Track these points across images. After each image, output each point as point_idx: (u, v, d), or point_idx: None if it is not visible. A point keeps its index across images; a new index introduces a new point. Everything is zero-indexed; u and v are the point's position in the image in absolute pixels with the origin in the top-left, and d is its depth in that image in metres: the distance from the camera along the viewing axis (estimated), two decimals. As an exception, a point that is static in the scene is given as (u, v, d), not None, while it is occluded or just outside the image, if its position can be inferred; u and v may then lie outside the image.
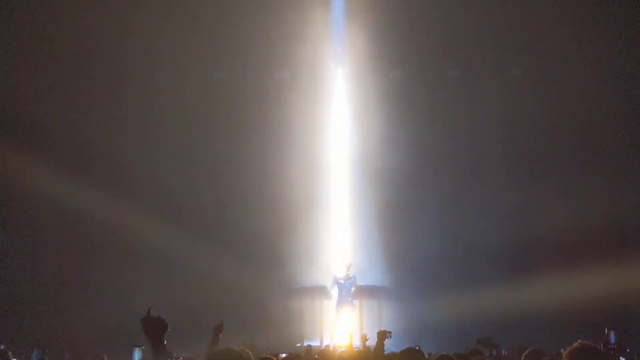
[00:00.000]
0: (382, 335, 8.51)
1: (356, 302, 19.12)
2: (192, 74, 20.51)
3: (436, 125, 20.52)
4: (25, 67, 19.16)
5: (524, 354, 6.24)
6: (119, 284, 19.04)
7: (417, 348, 9.26)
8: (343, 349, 10.74)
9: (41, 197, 19.10)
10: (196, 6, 19.87)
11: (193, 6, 19.87)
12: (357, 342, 13.43)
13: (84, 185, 18.93)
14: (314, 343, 17.45)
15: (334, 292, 19.16)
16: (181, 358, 6.47)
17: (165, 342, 5.30)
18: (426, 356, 9.76)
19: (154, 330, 5.33)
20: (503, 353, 10.90)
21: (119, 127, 20.02)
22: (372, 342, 10.17)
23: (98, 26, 19.34)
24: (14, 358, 10.01)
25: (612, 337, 9.31)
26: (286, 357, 8.01)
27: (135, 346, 7.37)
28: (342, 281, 19.06)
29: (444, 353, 6.76)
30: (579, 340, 4.16)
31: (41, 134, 19.39)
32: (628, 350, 9.20)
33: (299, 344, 18.08)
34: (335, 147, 21.36)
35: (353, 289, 19.06)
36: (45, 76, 19.29)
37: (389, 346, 9.77)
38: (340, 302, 18.93)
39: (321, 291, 19.58)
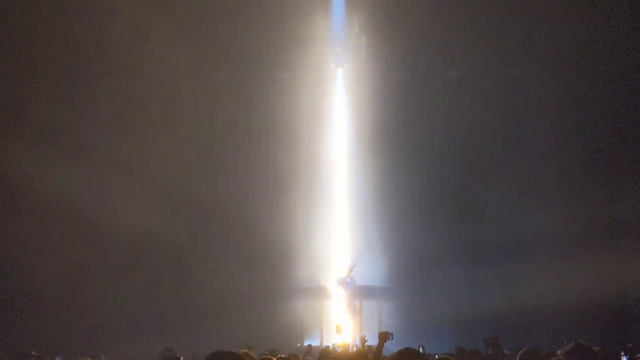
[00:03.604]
0: (384, 336, 8.40)
1: (357, 302, 19.19)
2: (194, 75, 20.50)
3: (435, 125, 20.52)
4: (32, 69, 19.20)
5: (520, 353, 6.21)
6: (119, 283, 19.06)
7: (420, 347, 9.25)
8: (340, 349, 10.75)
9: (44, 195, 19.12)
10: (198, 8, 19.88)
11: (195, 8, 19.88)
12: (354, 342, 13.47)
13: (87, 184, 18.96)
14: (314, 343, 17.48)
15: (338, 293, 19.30)
16: None
17: None
18: (427, 356, 9.80)
19: None
20: (505, 352, 10.88)
21: (122, 127, 20.02)
22: (371, 342, 10.17)
23: (102, 27, 19.33)
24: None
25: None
26: (285, 357, 8.00)
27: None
28: (344, 282, 19.17)
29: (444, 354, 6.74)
30: (575, 340, 4.18)
31: (46, 133, 19.40)
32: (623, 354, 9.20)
33: (299, 344, 18.12)
34: (336, 147, 21.39)
35: (353, 289, 19.18)
36: (50, 76, 19.32)
37: (390, 346, 9.76)
38: (342, 302, 19.07)
39: (321, 291, 19.63)
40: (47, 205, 19.15)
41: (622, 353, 10.16)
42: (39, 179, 18.26)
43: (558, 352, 4.37)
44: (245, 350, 6.41)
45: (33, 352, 9.31)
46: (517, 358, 6.14)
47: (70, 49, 19.54)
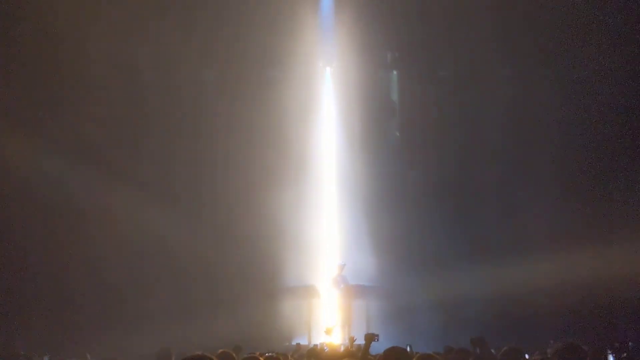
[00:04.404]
0: (370, 338, 8.43)
1: (346, 301, 19.22)
2: (182, 73, 20.43)
3: (426, 124, 20.52)
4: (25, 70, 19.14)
5: (501, 351, 6.12)
6: (109, 281, 19.00)
7: (407, 347, 9.24)
8: (328, 348, 10.72)
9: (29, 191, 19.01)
10: (186, 6, 19.80)
11: (183, 6, 19.80)
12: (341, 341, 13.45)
13: (76, 182, 18.87)
14: (303, 342, 17.46)
15: (327, 292, 19.36)
16: None
17: None
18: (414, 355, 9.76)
19: None
20: (492, 351, 10.89)
21: (112, 126, 19.94)
22: (360, 342, 10.14)
23: (89, 26, 19.21)
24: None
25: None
26: (272, 355, 7.96)
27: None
28: (337, 282, 19.25)
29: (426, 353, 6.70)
30: (566, 340, 4.16)
31: (40, 130, 19.29)
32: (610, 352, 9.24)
33: (287, 343, 18.10)
34: (325, 145, 21.36)
35: (343, 287, 19.21)
36: (41, 76, 19.24)
37: (378, 346, 9.74)
38: (331, 302, 19.14)
39: (310, 291, 19.63)
40: (33, 202, 19.05)
41: (609, 352, 10.19)
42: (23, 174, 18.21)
43: (548, 350, 4.35)
44: (222, 350, 6.37)
45: (22, 352, 9.23)
46: (499, 357, 6.08)
47: (61, 49, 19.43)
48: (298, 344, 14.22)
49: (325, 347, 11.52)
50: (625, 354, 10.17)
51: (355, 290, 19.43)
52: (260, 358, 6.92)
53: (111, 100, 19.92)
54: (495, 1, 19.79)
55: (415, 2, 19.82)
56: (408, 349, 9.58)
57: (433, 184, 20.18)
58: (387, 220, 19.92)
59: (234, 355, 6.21)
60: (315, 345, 12.93)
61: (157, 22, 19.20)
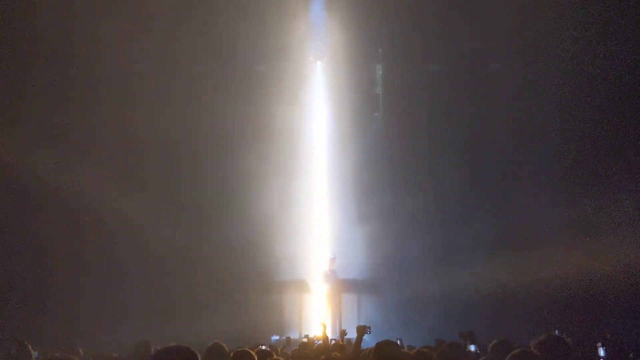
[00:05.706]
0: (361, 330, 8.47)
1: (337, 295, 19.27)
2: (173, 67, 20.40)
3: (417, 120, 20.54)
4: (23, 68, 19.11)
5: (490, 345, 6.20)
6: (101, 276, 18.98)
7: (397, 341, 9.26)
8: (320, 342, 10.74)
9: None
10: (178, 2, 19.76)
11: (175, 3, 19.76)
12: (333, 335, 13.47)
13: (65, 175, 18.83)
14: (293, 335, 17.49)
15: (318, 286, 19.41)
16: None
17: None
18: (405, 349, 9.80)
19: None
20: (481, 344, 10.90)
21: (101, 120, 19.90)
22: (351, 336, 10.16)
23: (83, 22, 19.16)
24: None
25: (602, 352, 9.31)
26: (264, 349, 7.97)
27: None
28: (327, 275, 19.30)
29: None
30: (546, 331, 4.19)
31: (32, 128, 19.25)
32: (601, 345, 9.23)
33: (277, 337, 18.14)
34: (315, 140, 21.38)
35: (333, 280, 19.29)
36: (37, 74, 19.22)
37: (369, 340, 9.76)
38: (322, 295, 19.20)
39: (300, 285, 19.66)
40: (21, 195, 19.02)
41: (600, 344, 10.16)
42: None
43: (530, 343, 4.37)
44: (215, 341, 6.37)
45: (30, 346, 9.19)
46: (489, 350, 6.15)
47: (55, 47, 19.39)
48: (288, 338, 14.23)
49: (317, 341, 11.55)
50: (616, 347, 10.17)
51: (345, 284, 19.49)
52: (252, 352, 6.91)
53: (108, 95, 19.91)
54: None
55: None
56: (398, 342, 9.60)
57: (424, 179, 20.20)
58: (377, 214, 19.96)
59: (225, 347, 6.20)
60: (307, 336, 12.98)
61: (154, 21, 19.21)
